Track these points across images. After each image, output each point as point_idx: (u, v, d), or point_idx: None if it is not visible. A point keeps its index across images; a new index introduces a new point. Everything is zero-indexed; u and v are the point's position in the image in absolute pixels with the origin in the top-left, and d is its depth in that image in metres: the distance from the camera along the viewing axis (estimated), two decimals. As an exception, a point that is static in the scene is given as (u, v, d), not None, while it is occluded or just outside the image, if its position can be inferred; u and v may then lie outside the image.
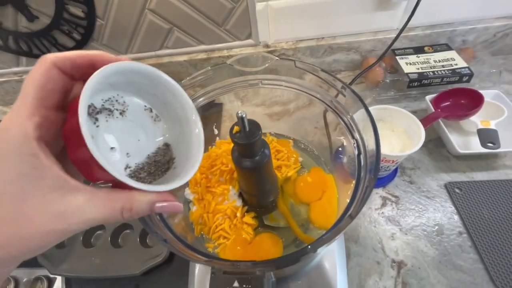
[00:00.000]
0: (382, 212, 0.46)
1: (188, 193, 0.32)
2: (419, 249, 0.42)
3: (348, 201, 0.20)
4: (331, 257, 0.32)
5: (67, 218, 0.15)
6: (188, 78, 0.28)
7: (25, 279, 0.46)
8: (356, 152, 0.23)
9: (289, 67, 0.30)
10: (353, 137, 0.24)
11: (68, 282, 0.45)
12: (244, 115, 0.20)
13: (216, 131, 0.37)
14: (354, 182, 0.21)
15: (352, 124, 0.25)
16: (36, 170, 0.14)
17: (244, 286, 0.14)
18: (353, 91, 0.24)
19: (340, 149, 0.35)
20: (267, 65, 0.29)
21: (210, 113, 0.58)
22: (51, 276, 0.46)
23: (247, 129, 0.21)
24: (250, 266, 0.16)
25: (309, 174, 0.34)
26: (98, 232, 0.48)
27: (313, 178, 0.33)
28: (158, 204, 0.17)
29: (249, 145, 0.21)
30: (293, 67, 0.28)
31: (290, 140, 0.38)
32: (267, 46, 0.66)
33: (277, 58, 0.28)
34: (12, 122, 0.15)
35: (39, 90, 0.16)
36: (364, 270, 0.41)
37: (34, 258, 0.45)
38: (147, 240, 0.46)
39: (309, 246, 0.17)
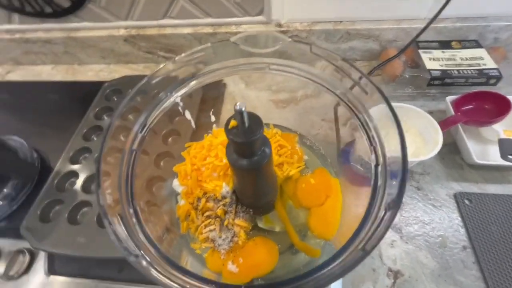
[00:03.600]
0: (384, 217, 0.43)
1: (177, 184, 0.29)
2: (419, 260, 0.39)
3: (358, 224, 0.17)
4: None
5: None
6: (184, 54, 0.24)
7: (7, 250, 0.44)
8: (374, 163, 0.19)
9: (301, 52, 0.25)
10: (371, 143, 0.20)
11: (50, 258, 0.43)
12: (243, 109, 0.16)
13: (213, 118, 0.33)
14: (368, 201, 0.18)
15: (368, 122, 0.21)
16: None
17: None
18: (373, 83, 0.20)
19: (347, 148, 0.31)
20: (277, 47, 0.25)
21: (210, 95, 0.54)
22: (34, 250, 0.44)
23: (247, 125, 0.17)
24: None
25: (312, 175, 0.30)
26: (85, 209, 0.46)
27: (317, 180, 0.29)
28: None
29: (247, 144, 0.18)
30: (306, 53, 0.24)
31: (296, 135, 0.35)
32: (279, 25, 0.60)
33: (290, 39, 0.24)
34: None
35: None
36: (358, 276, 0.39)
37: (17, 229, 0.44)
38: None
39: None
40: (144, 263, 0.15)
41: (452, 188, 0.45)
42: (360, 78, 0.23)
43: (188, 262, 0.25)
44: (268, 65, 0.28)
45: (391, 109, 0.18)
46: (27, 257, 0.43)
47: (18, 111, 0.64)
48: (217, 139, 0.29)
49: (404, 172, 0.16)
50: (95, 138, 0.56)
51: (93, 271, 0.41)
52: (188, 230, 0.27)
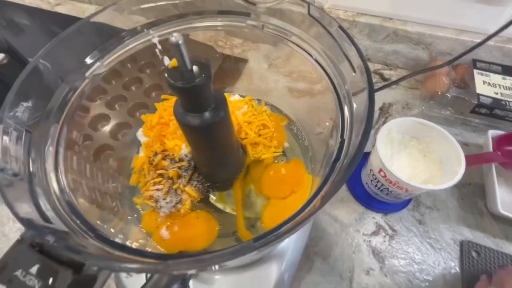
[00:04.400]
0: (369, 241, 0.38)
1: (140, 134, 0.27)
2: (393, 299, 0.34)
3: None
4: (279, 264, 0.26)
5: None
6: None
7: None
8: (333, 158, 0.15)
9: (301, 15, 0.21)
10: (342, 135, 0.16)
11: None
12: (180, 42, 0.13)
13: None
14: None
15: (348, 120, 0.17)
16: None
17: (42, 279, 0.09)
18: (363, 59, 0.16)
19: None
20: (271, 3, 0.21)
21: (228, 68, 0.52)
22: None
23: (188, 67, 0.15)
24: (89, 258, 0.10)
25: (285, 165, 0.27)
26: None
27: (289, 171, 0.26)
28: None
29: (188, 90, 0.15)
30: (306, 16, 0.20)
31: (285, 119, 0.31)
32: (321, 9, 0.55)
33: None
34: None
35: None
36: (319, 293, 0.35)
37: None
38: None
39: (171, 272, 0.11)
40: (6, 179, 0.13)
41: (461, 234, 0.38)
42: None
43: (125, 215, 0.24)
44: (263, 24, 0.24)
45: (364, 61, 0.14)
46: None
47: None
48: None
49: (348, 168, 0.12)
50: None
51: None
52: (138, 183, 0.26)
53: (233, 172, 0.25)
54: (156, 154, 0.26)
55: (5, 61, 0.44)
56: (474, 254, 0.36)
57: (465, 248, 0.37)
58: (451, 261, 0.36)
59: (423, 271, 0.36)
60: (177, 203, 0.24)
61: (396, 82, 0.52)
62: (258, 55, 0.51)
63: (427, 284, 0.35)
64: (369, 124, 0.13)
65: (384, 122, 0.53)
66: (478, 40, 0.46)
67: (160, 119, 0.26)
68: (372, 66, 0.60)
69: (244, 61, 0.57)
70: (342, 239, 0.39)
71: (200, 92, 0.15)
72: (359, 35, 0.56)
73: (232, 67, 0.57)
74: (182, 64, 0.14)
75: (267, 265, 0.25)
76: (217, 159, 0.21)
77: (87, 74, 0.21)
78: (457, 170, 0.33)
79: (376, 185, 0.37)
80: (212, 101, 0.17)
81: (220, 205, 0.25)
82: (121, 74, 0.28)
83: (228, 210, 0.25)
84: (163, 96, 0.29)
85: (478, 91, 0.44)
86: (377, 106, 0.57)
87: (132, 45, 0.24)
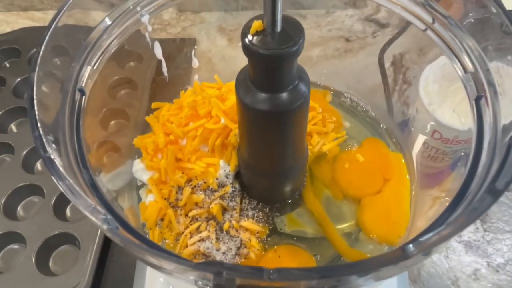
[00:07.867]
0: (459, 235, 0.46)
1: (140, 168, 0.28)
2: (518, 297, 0.42)
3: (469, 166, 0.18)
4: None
5: None
6: None
7: None
8: (474, 96, 0.21)
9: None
10: (465, 70, 0.22)
11: None
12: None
13: (196, 62, 0.34)
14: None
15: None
16: None
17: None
18: None
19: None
20: None
21: (172, 58, 0.55)
22: None
23: (278, 28, 0.18)
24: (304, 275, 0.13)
25: (360, 150, 0.31)
26: None
27: (368, 156, 0.30)
28: None
29: (277, 58, 0.18)
30: None
31: (327, 92, 0.36)
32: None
33: None
34: None
35: None
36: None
37: None
38: (50, 263, 0.42)
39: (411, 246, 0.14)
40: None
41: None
42: None
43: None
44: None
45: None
46: None
47: None
48: (211, 90, 0.30)
49: None
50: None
51: None
52: (163, 241, 0.27)
53: (300, 180, 0.29)
54: (180, 189, 0.27)
55: None
56: None
57: None
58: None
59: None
60: (238, 248, 0.26)
61: (405, 28, 0.62)
62: (210, 30, 0.55)
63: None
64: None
65: (403, 79, 0.63)
66: None
67: (168, 136, 0.28)
68: (361, 13, 0.70)
69: (191, 42, 0.60)
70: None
71: (290, 62, 0.19)
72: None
73: (178, 57, 0.59)
74: (270, 25, 0.17)
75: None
76: (286, 162, 0.24)
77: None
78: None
79: (429, 156, 0.44)
80: (295, 77, 0.20)
81: (296, 231, 0.28)
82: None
83: (310, 232, 0.28)
84: (154, 105, 0.31)
85: (508, 6, 0.57)
86: (387, 62, 0.67)
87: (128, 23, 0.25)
